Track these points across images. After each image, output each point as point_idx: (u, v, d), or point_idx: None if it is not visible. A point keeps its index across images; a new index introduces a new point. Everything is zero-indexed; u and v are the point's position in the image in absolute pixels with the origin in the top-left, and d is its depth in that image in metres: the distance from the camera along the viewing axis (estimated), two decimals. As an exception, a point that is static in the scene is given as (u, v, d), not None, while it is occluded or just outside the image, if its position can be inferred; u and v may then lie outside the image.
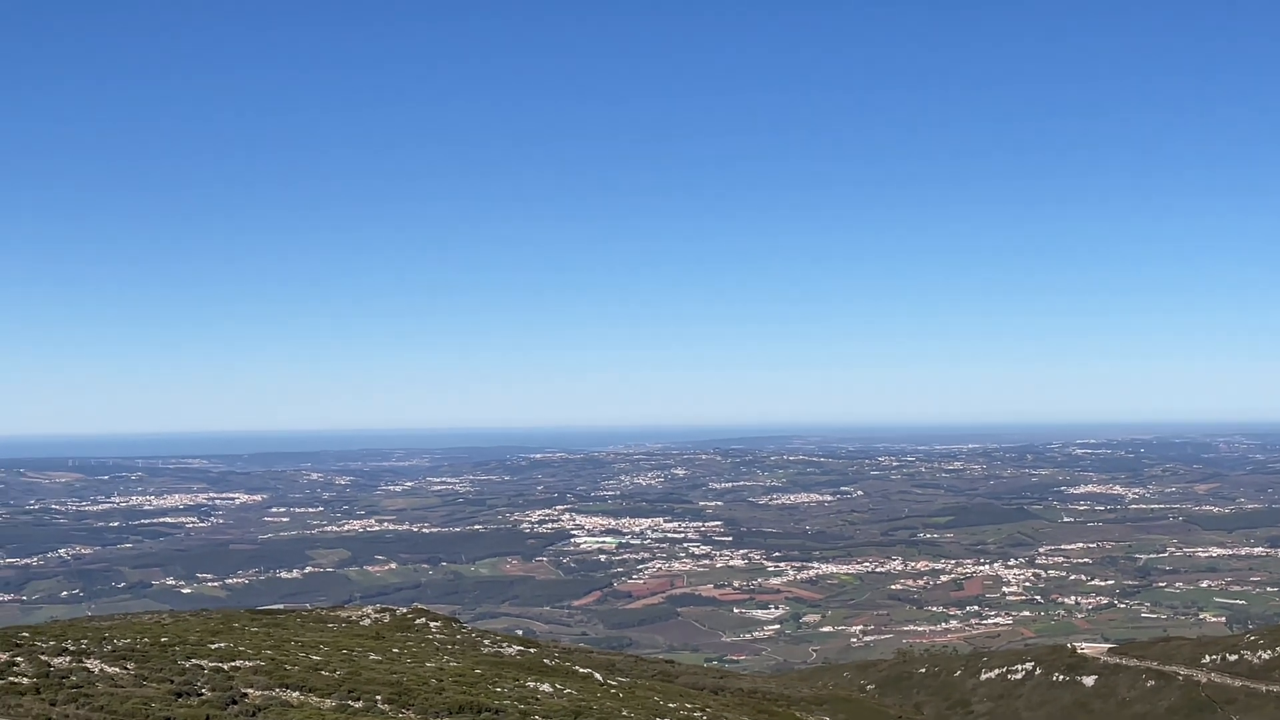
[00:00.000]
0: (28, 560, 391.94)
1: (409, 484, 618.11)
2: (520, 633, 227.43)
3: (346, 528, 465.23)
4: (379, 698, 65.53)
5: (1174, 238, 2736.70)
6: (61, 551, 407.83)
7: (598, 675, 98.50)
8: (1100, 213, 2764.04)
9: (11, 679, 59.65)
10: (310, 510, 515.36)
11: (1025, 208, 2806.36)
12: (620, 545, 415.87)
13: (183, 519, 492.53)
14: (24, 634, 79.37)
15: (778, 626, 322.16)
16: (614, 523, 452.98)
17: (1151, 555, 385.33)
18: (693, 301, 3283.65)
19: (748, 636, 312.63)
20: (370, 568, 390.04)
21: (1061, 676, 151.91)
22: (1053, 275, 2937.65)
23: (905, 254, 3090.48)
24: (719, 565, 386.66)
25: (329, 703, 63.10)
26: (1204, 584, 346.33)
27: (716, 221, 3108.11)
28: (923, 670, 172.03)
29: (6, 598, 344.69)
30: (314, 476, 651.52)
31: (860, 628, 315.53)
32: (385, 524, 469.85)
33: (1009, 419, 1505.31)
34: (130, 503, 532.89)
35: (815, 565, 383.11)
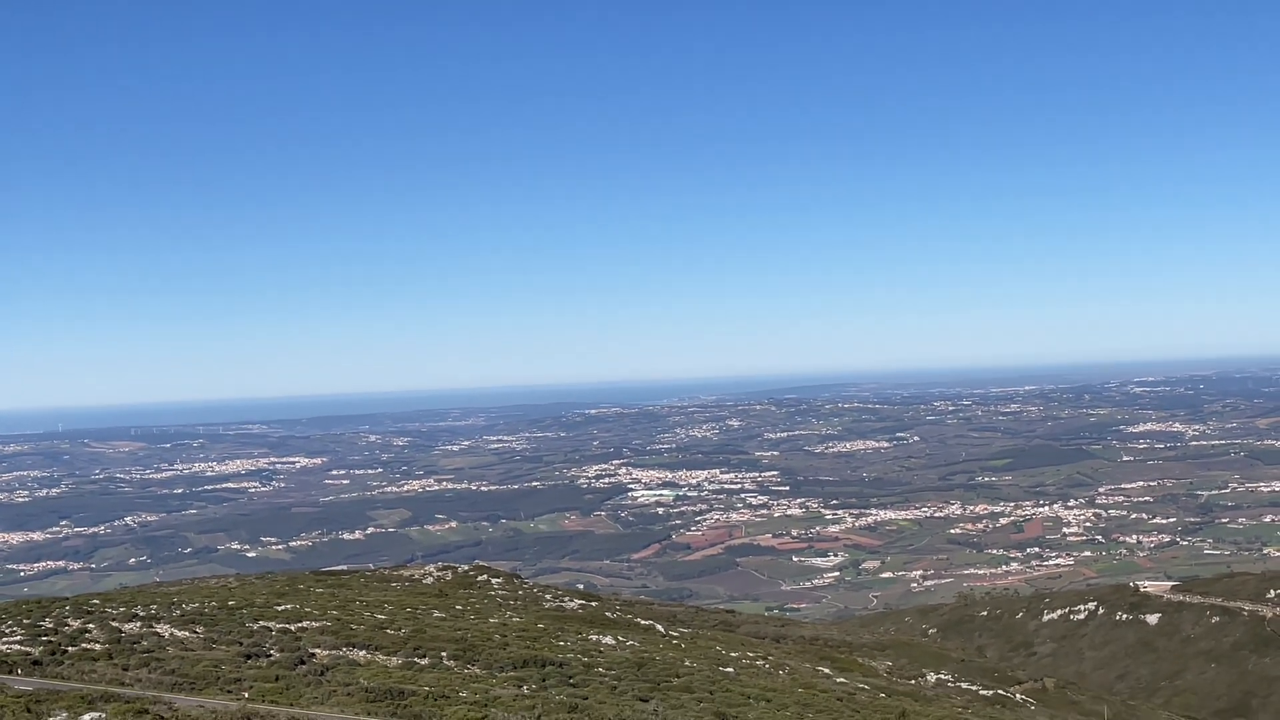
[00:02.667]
0: (95, 529, 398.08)
1: (466, 443, 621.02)
2: (581, 587, 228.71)
3: (406, 488, 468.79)
4: (444, 654, 66.26)
5: (1232, 170, 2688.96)
6: (128, 519, 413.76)
7: (659, 627, 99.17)
8: (1154, 146, 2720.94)
9: (84, 645, 60.82)
10: (370, 472, 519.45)
11: (1076, 145, 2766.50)
12: (677, 498, 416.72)
13: (245, 484, 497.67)
14: (94, 601, 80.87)
15: (837, 574, 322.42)
16: (670, 476, 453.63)
17: (1213, 492, 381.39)
18: (743, 251, 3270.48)
19: (807, 585, 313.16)
20: (431, 527, 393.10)
21: (1125, 616, 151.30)
22: (1105, 213, 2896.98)
23: (955, 196, 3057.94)
24: (776, 515, 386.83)
25: (395, 660, 63.90)
26: (1267, 519, 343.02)
27: (764, 170, 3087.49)
28: (984, 613, 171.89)
29: (76, 566, 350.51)
30: (372, 438, 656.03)
31: (920, 573, 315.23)
32: (444, 483, 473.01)
33: (1065, 359, 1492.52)
34: (193, 469, 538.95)
35: (873, 512, 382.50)
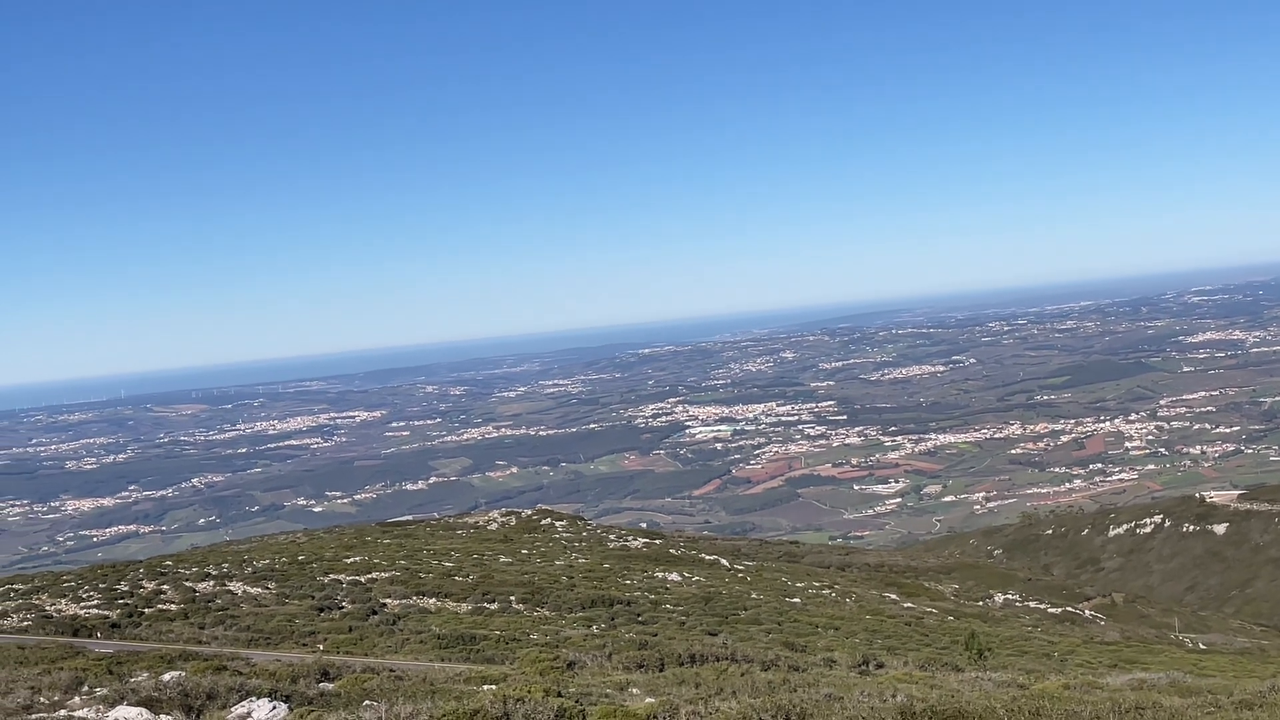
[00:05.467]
0: (164, 492, 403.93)
1: (522, 389, 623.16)
2: (644, 525, 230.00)
3: (465, 436, 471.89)
4: (513, 598, 66.95)
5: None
6: (195, 481, 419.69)
7: (724, 561, 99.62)
8: (1196, 55, 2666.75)
9: (160, 606, 61.94)
10: (429, 422, 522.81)
11: (1118, 54, 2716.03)
12: (735, 432, 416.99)
13: (307, 440, 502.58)
14: (168, 562, 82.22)
15: (899, 500, 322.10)
16: (727, 411, 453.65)
17: (1277, 398, 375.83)
18: (791, 182, 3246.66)
19: (869, 512, 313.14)
20: (492, 473, 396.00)
21: (1191, 527, 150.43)
22: (1152, 123, 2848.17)
23: (1000, 115, 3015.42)
24: (835, 444, 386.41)
25: (465, 607, 64.63)
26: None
27: (809, 98, 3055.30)
28: (1049, 531, 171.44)
29: (147, 529, 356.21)
30: (429, 389, 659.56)
31: (982, 495, 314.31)
32: (503, 430, 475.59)
33: (1120, 273, 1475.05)
34: (255, 429, 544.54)
35: (932, 436, 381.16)
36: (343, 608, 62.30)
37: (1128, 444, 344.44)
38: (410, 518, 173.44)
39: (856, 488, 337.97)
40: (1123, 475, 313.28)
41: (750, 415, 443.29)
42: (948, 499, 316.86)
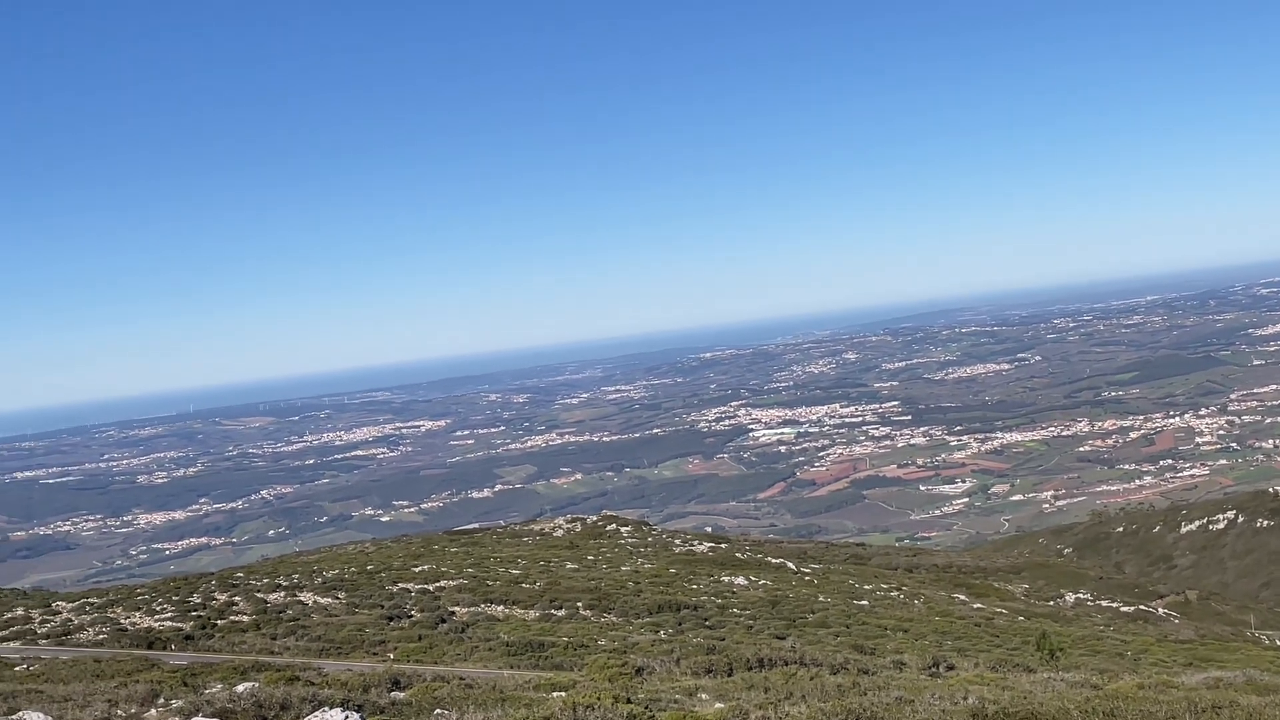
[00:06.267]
0: (233, 504, 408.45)
1: (585, 395, 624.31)
2: (709, 530, 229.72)
3: (529, 444, 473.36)
4: (580, 604, 67.10)
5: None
6: (264, 493, 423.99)
7: (790, 565, 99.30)
8: (1262, 41, 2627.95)
9: (233, 617, 62.66)
10: (493, 430, 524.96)
11: (1177, 52, 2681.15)
12: (799, 435, 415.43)
13: (373, 450, 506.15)
14: (239, 574, 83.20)
15: (966, 500, 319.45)
16: (790, 413, 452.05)
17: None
18: (849, 182, 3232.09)
19: (937, 513, 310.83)
20: (556, 480, 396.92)
21: (1266, 522, 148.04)
22: (1219, 111, 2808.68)
23: (1060, 108, 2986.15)
24: (900, 445, 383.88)
25: (533, 614, 64.87)
26: None
27: (867, 97, 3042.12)
28: (1120, 529, 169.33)
29: (218, 541, 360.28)
30: (492, 397, 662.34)
31: (1051, 493, 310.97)
32: (566, 436, 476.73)
33: (1186, 266, 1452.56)
34: (322, 440, 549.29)
35: (999, 435, 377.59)
36: (412, 616, 62.75)
37: (1198, 439, 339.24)
38: (476, 526, 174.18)
39: (923, 488, 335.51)
40: (1194, 471, 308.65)
41: (814, 417, 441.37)
42: (1016, 498, 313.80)
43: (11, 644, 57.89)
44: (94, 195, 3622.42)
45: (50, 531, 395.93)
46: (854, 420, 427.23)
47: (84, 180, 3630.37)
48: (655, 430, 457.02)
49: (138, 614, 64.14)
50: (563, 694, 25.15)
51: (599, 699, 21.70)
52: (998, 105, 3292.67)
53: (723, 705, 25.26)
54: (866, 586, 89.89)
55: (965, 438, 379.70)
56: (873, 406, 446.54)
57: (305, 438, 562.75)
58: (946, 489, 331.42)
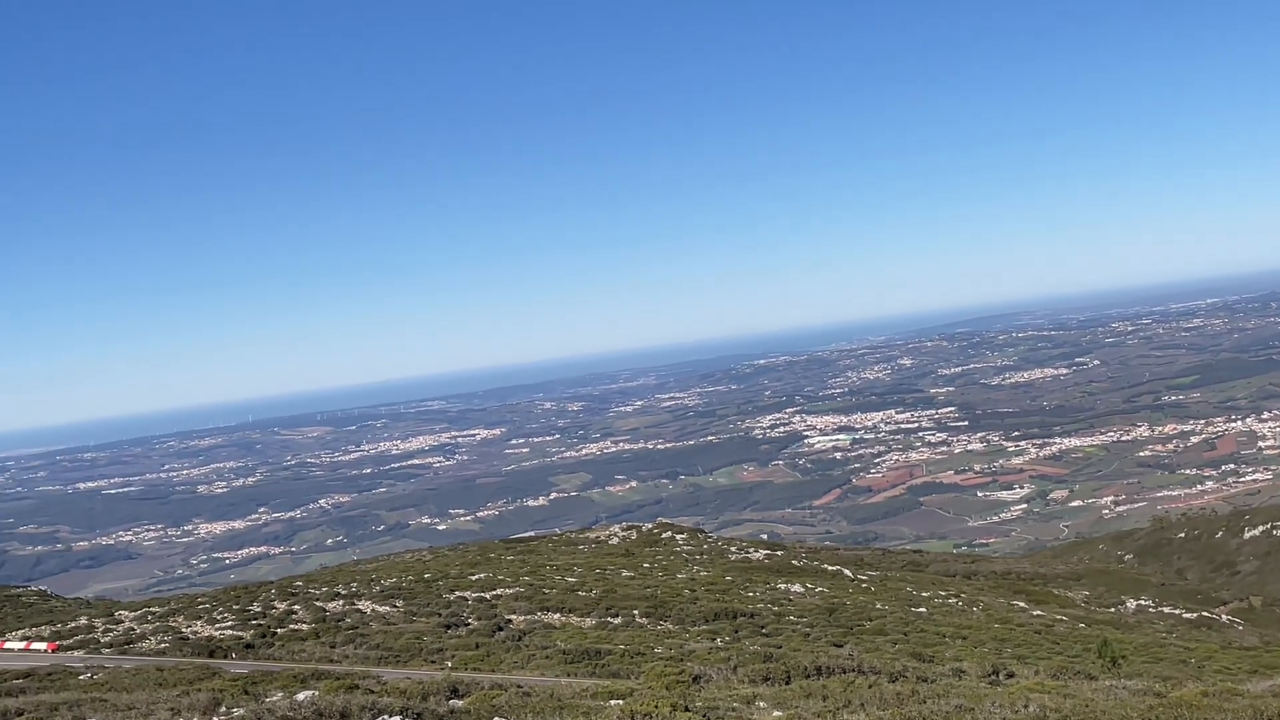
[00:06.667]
0: (292, 513, 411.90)
1: (639, 403, 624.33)
2: (764, 537, 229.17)
3: (584, 452, 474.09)
4: (636, 612, 67.11)
5: None
6: (322, 502, 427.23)
7: (847, 572, 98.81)
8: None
9: (292, 626, 63.18)
10: (548, 438, 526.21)
11: (1247, 45, 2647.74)
12: (854, 441, 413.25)
13: (429, 459, 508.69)
14: (298, 583, 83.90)
15: (1025, 506, 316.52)
16: (845, 419, 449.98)
17: None
18: (900, 187, 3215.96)
19: (995, 519, 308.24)
20: (611, 488, 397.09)
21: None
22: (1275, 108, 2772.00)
23: (1117, 112, 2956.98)
24: (957, 451, 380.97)
25: (589, 621, 64.93)
26: None
27: (915, 99, 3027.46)
28: (1181, 535, 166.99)
29: (277, 550, 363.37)
30: (547, 406, 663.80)
31: (1111, 499, 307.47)
32: (621, 444, 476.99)
33: (1247, 268, 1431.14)
34: (379, 449, 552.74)
35: (1057, 440, 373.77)
36: (469, 624, 63.00)
37: (1261, 443, 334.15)
38: (532, 534, 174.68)
39: (980, 494, 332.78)
40: (1257, 475, 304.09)
41: (869, 423, 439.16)
42: (1075, 504, 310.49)
43: (76, 653, 58.69)
44: (157, 211, 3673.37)
45: (113, 541, 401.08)
46: (910, 426, 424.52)
47: (148, 195, 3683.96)
48: (710, 437, 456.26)
49: (199, 623, 64.84)
50: (620, 702, 25.15)
51: (657, 707, 21.69)
52: (1057, 108, 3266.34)
53: (781, 713, 25.20)
54: (924, 593, 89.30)
55: (1023, 443, 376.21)
56: (929, 412, 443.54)
57: (362, 447, 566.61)
58: (1004, 495, 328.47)
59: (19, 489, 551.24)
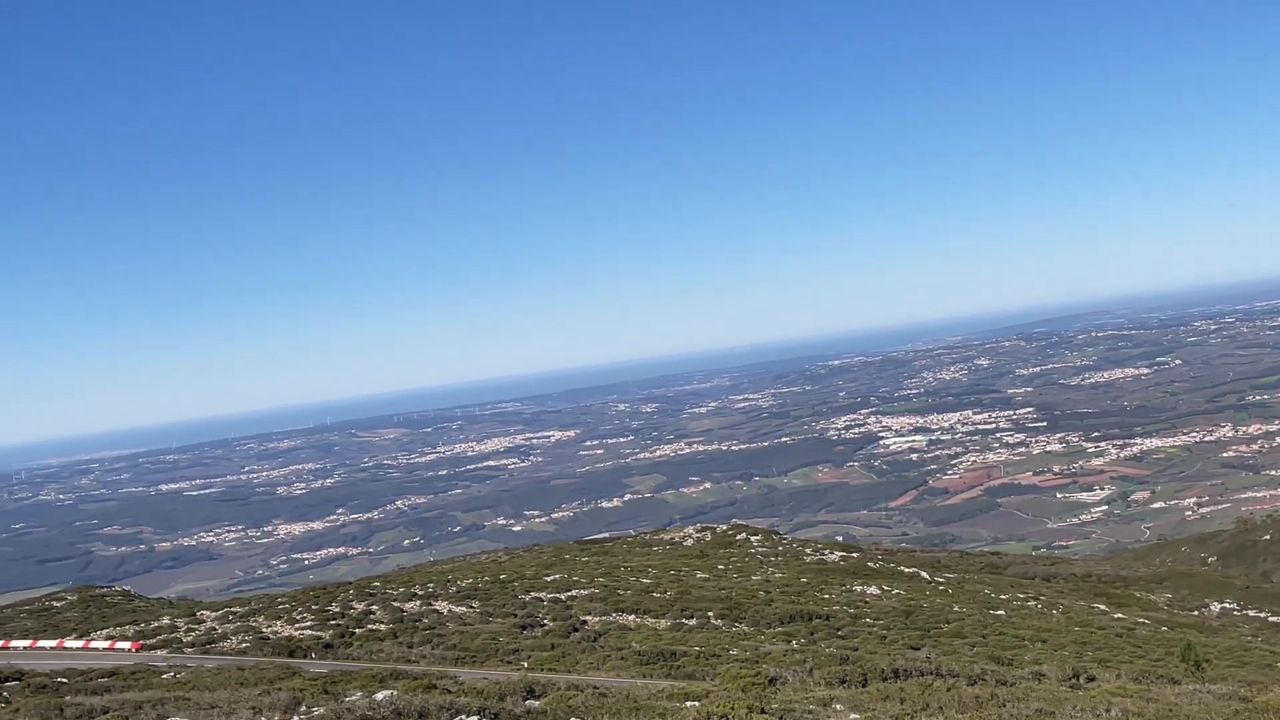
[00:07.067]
0: (370, 514, 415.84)
1: (712, 404, 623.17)
2: (840, 539, 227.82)
3: (658, 453, 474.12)
4: (711, 614, 67.01)
5: None
6: (399, 503, 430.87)
7: (924, 574, 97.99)
8: None
9: (371, 626, 63.78)
10: (621, 440, 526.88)
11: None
12: (930, 442, 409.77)
13: (504, 461, 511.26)
14: (376, 583, 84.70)
15: (1105, 507, 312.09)
16: (921, 420, 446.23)
17: None
18: (976, 185, 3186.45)
19: (1074, 521, 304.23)
20: (685, 489, 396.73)
21: None
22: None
23: (1194, 107, 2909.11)
24: (1035, 452, 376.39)
25: (664, 623, 64.94)
26: None
27: (994, 96, 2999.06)
28: (1267, 537, 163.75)
29: (355, 551, 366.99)
30: (621, 407, 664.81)
31: (1194, 500, 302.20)
32: (695, 445, 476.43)
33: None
34: (454, 451, 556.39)
35: (1138, 441, 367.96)
36: (544, 625, 63.23)
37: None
38: (607, 535, 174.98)
39: (1059, 496, 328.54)
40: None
41: (946, 424, 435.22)
42: (1156, 505, 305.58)
43: (159, 652, 59.66)
44: (242, 216, 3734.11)
45: (194, 542, 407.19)
46: (987, 427, 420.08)
47: (234, 201, 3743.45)
48: (784, 439, 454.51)
49: (279, 623, 65.64)
50: (696, 703, 25.12)
51: (733, 709, 21.64)
52: (1138, 104, 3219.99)
53: (858, 716, 25.06)
54: (1003, 596, 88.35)
55: (1103, 444, 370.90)
56: (1006, 413, 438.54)
57: (438, 449, 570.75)
58: (1084, 496, 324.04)
59: (103, 491, 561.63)
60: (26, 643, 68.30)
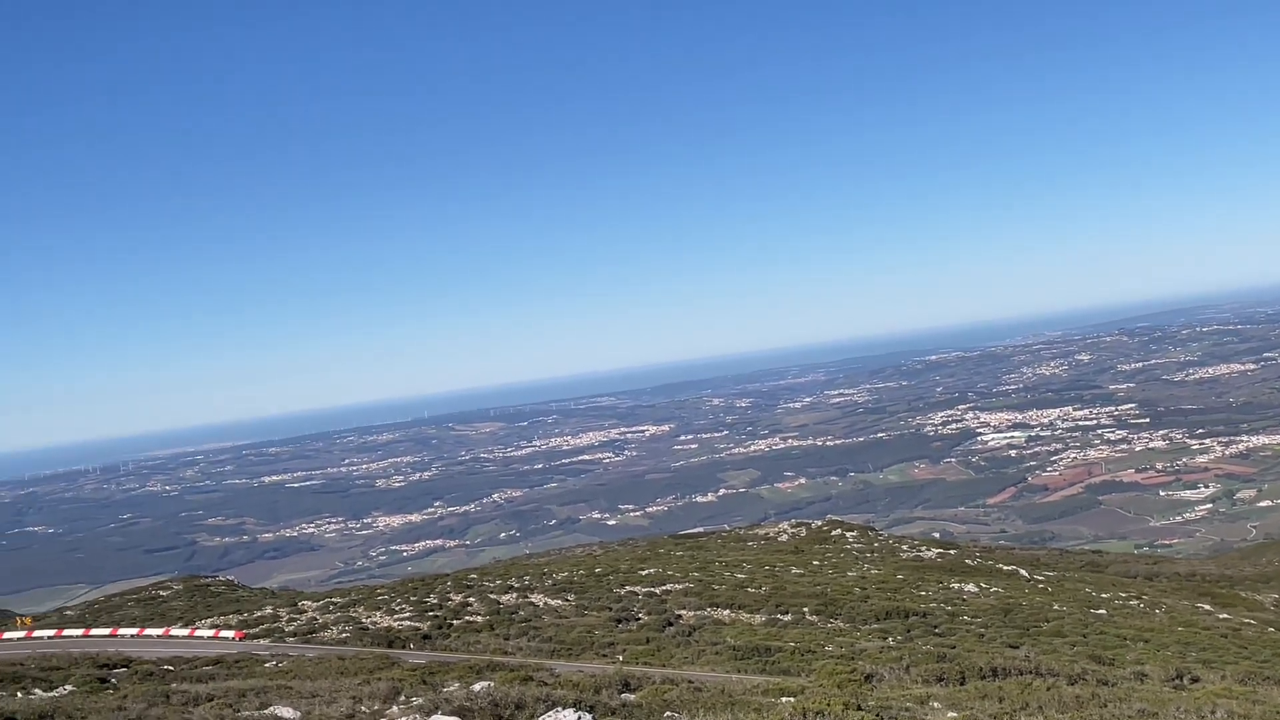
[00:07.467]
0: (466, 507, 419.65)
1: (807, 399, 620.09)
2: (936, 536, 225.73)
3: (752, 448, 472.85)
4: (806, 610, 66.78)
5: None
6: (495, 496, 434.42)
7: (1022, 572, 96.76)
8: None
9: (467, 618, 64.45)
10: (716, 435, 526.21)
11: None
12: (1029, 438, 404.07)
13: (599, 455, 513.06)
14: (473, 576, 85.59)
15: (1210, 506, 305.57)
16: (1020, 416, 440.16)
17: None
18: (1074, 177, 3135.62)
19: (1178, 519, 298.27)
20: (780, 484, 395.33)
21: None
22: None
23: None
24: (1138, 449, 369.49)
25: (758, 618, 64.85)
26: None
27: (1095, 97, 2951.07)
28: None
29: (452, 543, 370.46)
30: (715, 402, 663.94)
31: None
32: (789, 441, 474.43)
33: None
34: (550, 444, 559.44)
35: (1244, 438, 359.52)
36: (639, 619, 63.43)
37: None
38: (701, 530, 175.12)
39: (1162, 494, 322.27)
40: None
41: (1045, 420, 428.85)
42: (1264, 504, 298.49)
43: (261, 641, 60.84)
44: (339, 214, 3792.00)
45: (296, 533, 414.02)
46: (1088, 423, 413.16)
47: (332, 198, 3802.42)
48: (880, 434, 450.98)
49: (378, 613, 66.59)
50: (792, 699, 25.08)
51: (829, 705, 21.58)
52: (1244, 97, 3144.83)
53: (955, 714, 24.88)
54: (1103, 595, 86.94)
55: (1208, 441, 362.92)
56: (1108, 409, 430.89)
57: (534, 442, 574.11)
58: (1188, 494, 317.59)
59: (208, 482, 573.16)
60: (134, 630, 70.07)
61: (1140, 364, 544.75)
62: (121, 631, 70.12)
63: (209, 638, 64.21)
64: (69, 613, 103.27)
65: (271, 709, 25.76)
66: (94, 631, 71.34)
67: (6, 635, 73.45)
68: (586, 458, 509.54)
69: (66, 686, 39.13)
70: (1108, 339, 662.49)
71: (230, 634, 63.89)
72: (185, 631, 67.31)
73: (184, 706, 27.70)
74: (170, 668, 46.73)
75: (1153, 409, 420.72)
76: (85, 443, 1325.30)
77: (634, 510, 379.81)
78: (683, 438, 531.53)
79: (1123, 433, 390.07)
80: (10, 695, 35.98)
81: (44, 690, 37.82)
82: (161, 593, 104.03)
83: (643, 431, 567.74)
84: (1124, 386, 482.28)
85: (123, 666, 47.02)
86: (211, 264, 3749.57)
